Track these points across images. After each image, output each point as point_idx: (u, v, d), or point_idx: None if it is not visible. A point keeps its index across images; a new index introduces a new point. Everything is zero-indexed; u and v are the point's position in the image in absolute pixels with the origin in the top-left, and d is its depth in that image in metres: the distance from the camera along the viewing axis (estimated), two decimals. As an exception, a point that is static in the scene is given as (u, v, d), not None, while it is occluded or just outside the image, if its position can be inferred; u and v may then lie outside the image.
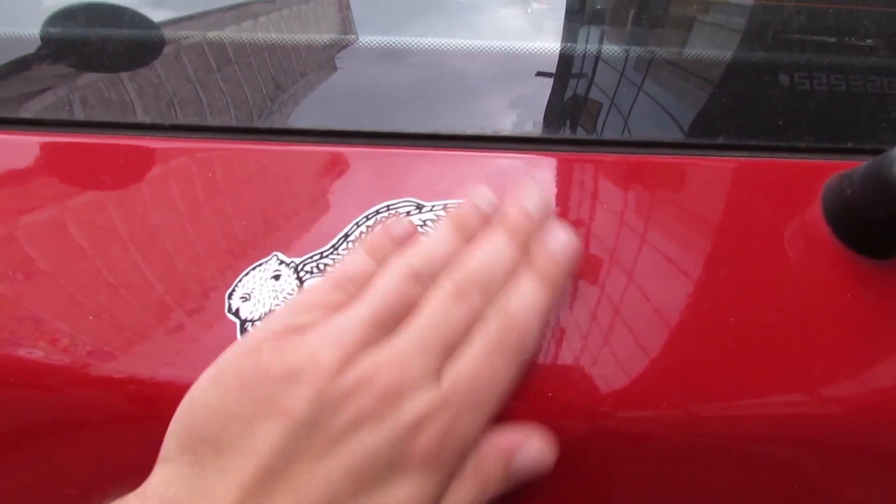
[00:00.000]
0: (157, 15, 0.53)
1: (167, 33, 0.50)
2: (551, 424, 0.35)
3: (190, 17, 0.56)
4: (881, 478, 0.39)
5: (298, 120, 0.43)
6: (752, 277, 0.40)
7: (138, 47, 0.51)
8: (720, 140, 0.44)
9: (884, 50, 0.48)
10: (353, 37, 0.48)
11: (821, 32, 0.49)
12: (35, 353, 0.36)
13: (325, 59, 0.46)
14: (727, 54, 0.48)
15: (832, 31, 0.49)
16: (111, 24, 0.52)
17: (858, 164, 0.40)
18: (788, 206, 0.41)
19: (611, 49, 0.47)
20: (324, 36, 0.48)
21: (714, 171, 0.42)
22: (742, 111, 0.45)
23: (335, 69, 0.46)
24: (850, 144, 0.44)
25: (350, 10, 0.57)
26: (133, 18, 0.54)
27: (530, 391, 0.35)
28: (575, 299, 0.38)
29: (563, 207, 0.40)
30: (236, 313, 0.36)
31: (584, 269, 0.39)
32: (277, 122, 0.43)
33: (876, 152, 0.41)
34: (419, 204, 0.39)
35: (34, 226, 0.40)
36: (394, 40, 0.46)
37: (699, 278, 0.39)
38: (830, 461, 0.39)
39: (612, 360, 0.37)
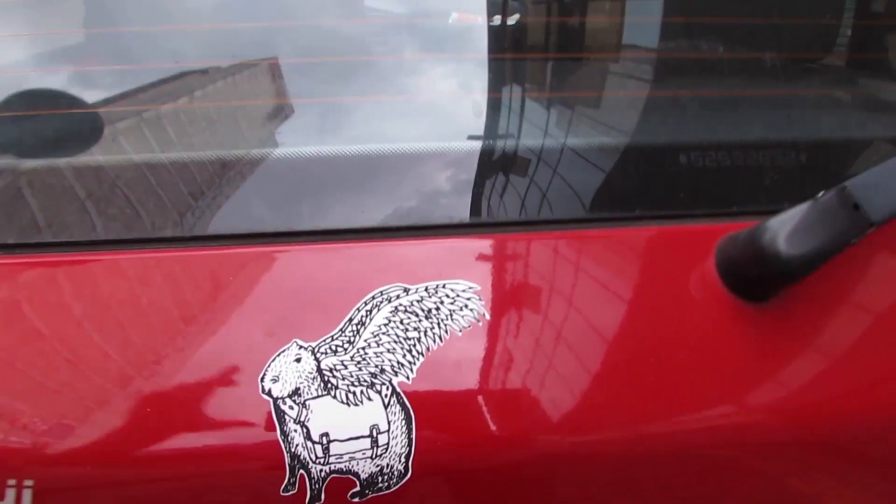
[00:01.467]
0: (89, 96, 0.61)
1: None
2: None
3: (124, 96, 0.64)
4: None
5: (291, 222, 0.53)
6: (665, 324, 0.51)
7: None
8: (636, 212, 0.55)
9: (760, 129, 0.61)
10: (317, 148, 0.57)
11: (709, 118, 0.61)
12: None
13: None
14: (638, 139, 0.59)
15: (718, 116, 0.61)
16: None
17: (744, 226, 0.52)
18: (692, 262, 0.53)
19: (530, 137, 0.58)
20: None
21: (633, 238, 0.54)
22: (651, 187, 0.57)
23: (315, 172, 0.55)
24: (735, 208, 0.56)
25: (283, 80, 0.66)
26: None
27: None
28: (518, 349, 0.48)
29: (512, 279, 0.51)
30: (269, 393, 0.44)
31: (523, 326, 0.49)
32: (274, 226, 0.52)
33: (756, 213, 0.53)
34: (406, 287, 0.48)
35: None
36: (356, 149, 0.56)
37: (622, 330, 0.50)
38: (736, 459, 0.50)
39: (557, 394, 0.47)
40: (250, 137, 0.61)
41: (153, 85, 0.62)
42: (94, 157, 0.58)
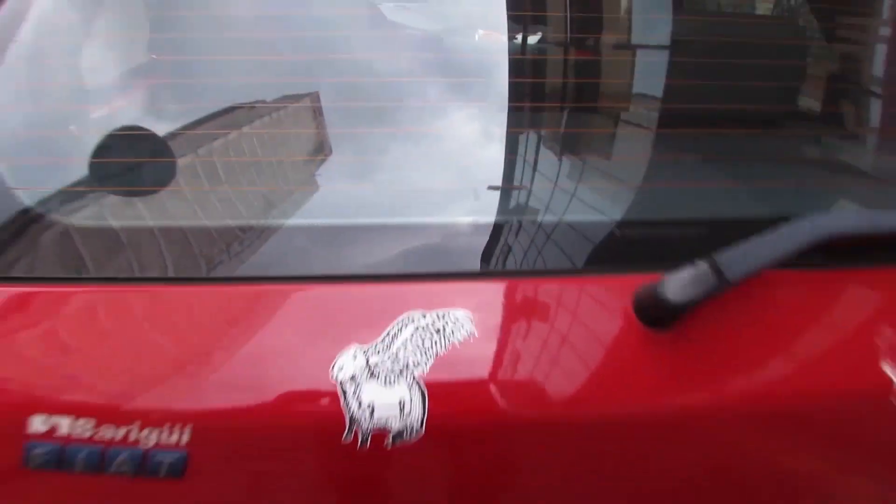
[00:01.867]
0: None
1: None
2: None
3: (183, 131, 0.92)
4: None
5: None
6: (600, 342, 0.77)
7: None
8: (582, 266, 0.81)
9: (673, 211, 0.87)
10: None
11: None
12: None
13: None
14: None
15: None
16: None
17: (657, 278, 0.77)
18: (620, 303, 0.78)
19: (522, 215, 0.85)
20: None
21: (581, 284, 0.80)
22: (581, 247, 0.84)
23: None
24: (653, 264, 0.81)
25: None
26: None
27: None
28: (497, 354, 0.74)
29: (496, 310, 0.77)
30: (336, 378, 0.71)
31: (501, 341, 0.75)
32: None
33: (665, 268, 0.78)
34: (424, 313, 0.75)
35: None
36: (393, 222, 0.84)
37: (568, 344, 0.75)
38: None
39: (523, 384, 0.73)
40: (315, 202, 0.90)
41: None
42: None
